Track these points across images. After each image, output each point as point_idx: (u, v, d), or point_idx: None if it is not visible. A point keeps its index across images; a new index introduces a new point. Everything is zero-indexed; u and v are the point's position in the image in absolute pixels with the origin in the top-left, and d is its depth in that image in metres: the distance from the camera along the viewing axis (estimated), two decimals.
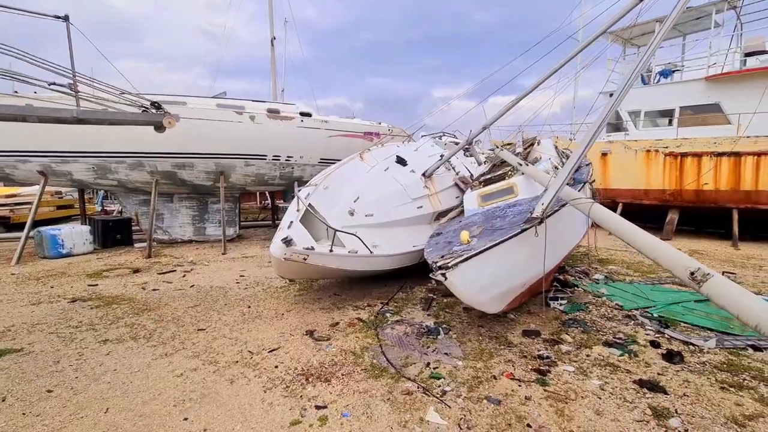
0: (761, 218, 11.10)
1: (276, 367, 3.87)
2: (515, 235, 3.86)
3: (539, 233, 3.80)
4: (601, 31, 7.13)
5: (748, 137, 10.84)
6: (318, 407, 3.19)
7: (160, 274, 7.80)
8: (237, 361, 4.00)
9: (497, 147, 6.97)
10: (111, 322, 5.14)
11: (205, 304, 5.90)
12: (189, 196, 11.55)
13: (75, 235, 9.77)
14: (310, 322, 5.07)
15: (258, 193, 24.96)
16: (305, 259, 4.77)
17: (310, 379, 3.62)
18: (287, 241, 4.54)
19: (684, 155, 11.79)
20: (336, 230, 5.03)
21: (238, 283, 7.09)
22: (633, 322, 5.10)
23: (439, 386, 3.49)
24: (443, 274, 3.47)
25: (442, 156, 8.57)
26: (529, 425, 2.95)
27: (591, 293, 6.26)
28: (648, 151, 12.48)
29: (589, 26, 16.52)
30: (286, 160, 11.50)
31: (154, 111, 3.86)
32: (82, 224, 11.23)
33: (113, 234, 10.97)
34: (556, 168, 5.99)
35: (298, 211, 5.24)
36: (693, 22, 13.46)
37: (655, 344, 4.38)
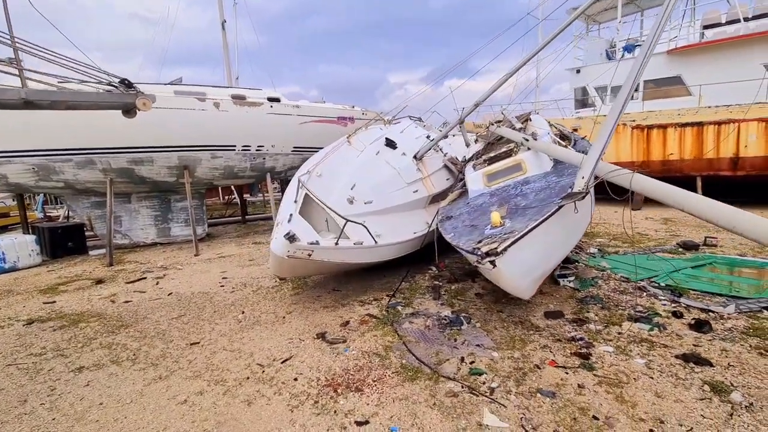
0: (722, 184, 11.75)
1: (295, 379, 3.41)
2: (554, 213, 3.60)
3: (579, 209, 3.57)
4: (581, 10, 7.10)
5: (708, 107, 11.36)
6: (359, 423, 2.78)
7: (128, 283, 6.96)
8: (248, 377, 3.49)
9: (492, 124, 6.73)
10: (82, 344, 4.41)
11: (191, 313, 5.26)
12: (149, 194, 10.47)
13: (18, 246, 8.55)
14: (317, 324, 4.61)
15: (220, 188, 23.59)
16: (310, 255, 4.28)
17: (339, 390, 3.20)
18: (291, 237, 4.02)
19: (650, 127, 12.20)
20: (348, 220, 4.55)
21: (222, 286, 6.43)
22: (645, 293, 5.07)
23: (484, 383, 3.19)
24: (492, 262, 3.14)
25: (428, 137, 8.23)
26: (595, 417, 2.72)
27: (593, 267, 6.23)
28: None
29: (550, 5, 16.65)
30: (257, 149, 10.70)
31: (123, 90, 3.14)
32: (24, 233, 9.89)
33: (64, 242, 9.76)
34: (557, 142, 5.82)
35: (296, 202, 4.70)
36: None
37: (677, 315, 4.34)
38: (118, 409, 3.12)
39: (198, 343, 4.27)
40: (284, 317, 4.89)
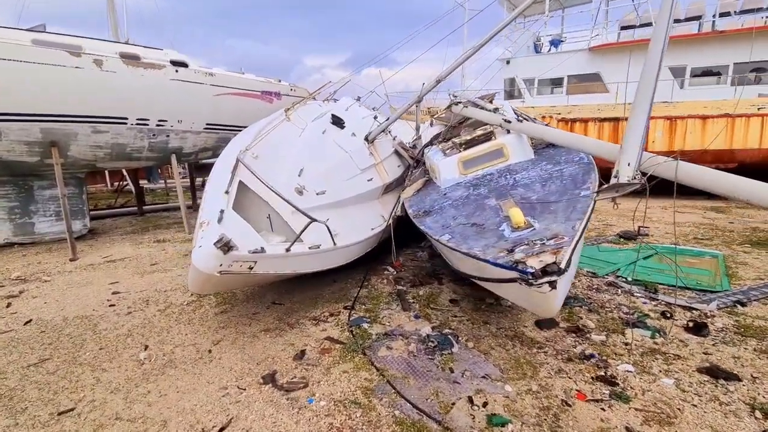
0: None
1: None
2: (593, 208, 2.92)
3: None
4: (523, 6, 6.92)
5: (623, 104, 12.19)
6: None
7: None
8: None
9: (457, 104, 6.00)
10: None
11: (62, 354, 3.61)
12: None
13: None
14: (261, 358, 3.39)
15: (107, 172, 19.71)
16: (251, 268, 3.03)
17: None
18: (226, 246, 2.73)
19: (574, 121, 12.77)
20: (312, 219, 3.35)
21: (113, 305, 4.73)
22: (620, 290, 4.80)
23: None
24: (552, 283, 2.29)
25: (375, 118, 7.24)
26: None
27: None
28: (543, 117, 13.20)
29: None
30: (158, 125, 8.59)
31: None
32: None
33: None
34: None
35: (227, 192, 3.36)
36: None
37: (666, 315, 4.06)
38: None
39: (72, 410, 2.78)
40: (210, 351, 3.56)
